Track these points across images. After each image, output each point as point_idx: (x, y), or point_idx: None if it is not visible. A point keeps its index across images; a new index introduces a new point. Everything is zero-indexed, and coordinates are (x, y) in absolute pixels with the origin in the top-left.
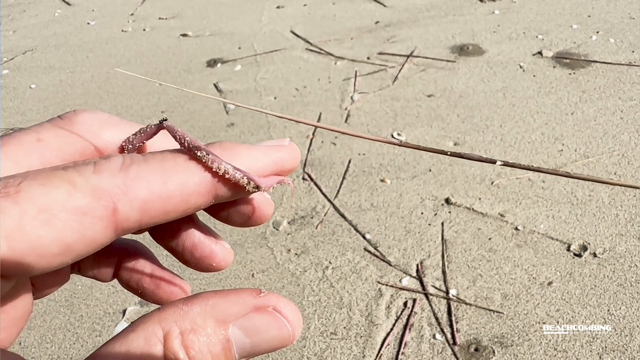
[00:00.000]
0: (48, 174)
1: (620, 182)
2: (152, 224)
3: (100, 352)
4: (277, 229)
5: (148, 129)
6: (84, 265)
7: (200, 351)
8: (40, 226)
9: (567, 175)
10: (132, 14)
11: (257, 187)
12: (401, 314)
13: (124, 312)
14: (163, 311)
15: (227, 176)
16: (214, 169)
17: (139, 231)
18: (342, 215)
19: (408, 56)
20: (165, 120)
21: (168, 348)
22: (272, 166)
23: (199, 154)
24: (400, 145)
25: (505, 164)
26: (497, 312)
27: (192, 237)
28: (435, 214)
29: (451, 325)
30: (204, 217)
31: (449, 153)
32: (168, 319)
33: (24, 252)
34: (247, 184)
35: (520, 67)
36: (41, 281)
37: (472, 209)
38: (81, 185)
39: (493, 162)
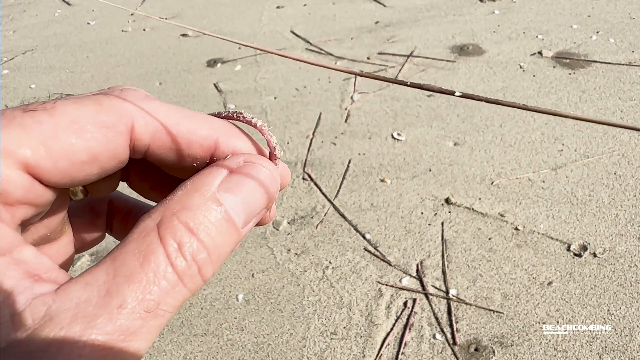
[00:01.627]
0: (80, 97)
1: (617, 122)
2: (158, 159)
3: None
4: (277, 229)
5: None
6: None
7: (200, 222)
8: (71, 135)
9: (551, 113)
10: (132, 14)
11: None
12: (401, 313)
13: None
14: (149, 212)
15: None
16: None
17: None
18: (342, 215)
19: (408, 56)
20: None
21: (165, 230)
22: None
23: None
24: (361, 75)
25: (464, 95)
26: (497, 312)
27: None
28: (435, 214)
29: (451, 325)
30: None
31: (408, 84)
32: (154, 212)
33: (58, 157)
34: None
35: (520, 67)
36: (78, 225)
37: (472, 209)
38: (108, 105)
39: (452, 93)
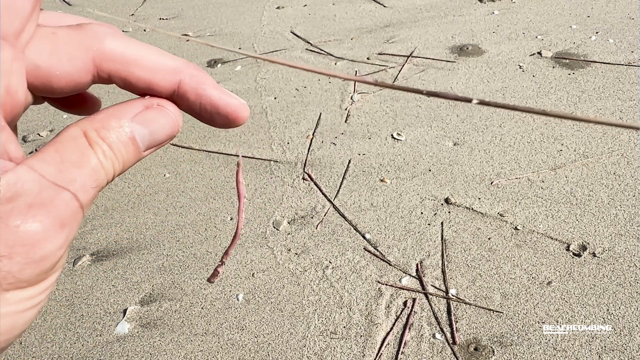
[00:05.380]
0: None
1: (618, 122)
2: (119, 82)
3: (35, 156)
4: (277, 229)
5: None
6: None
7: (114, 140)
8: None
9: (554, 115)
10: (132, 14)
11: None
12: (401, 313)
13: (125, 311)
14: (77, 121)
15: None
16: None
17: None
18: (342, 215)
19: (408, 56)
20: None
21: (91, 139)
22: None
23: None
24: (375, 84)
25: (481, 102)
26: (497, 311)
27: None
28: (435, 214)
29: (451, 325)
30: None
31: (424, 92)
32: (82, 123)
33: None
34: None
35: (520, 67)
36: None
37: (472, 208)
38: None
39: (469, 100)
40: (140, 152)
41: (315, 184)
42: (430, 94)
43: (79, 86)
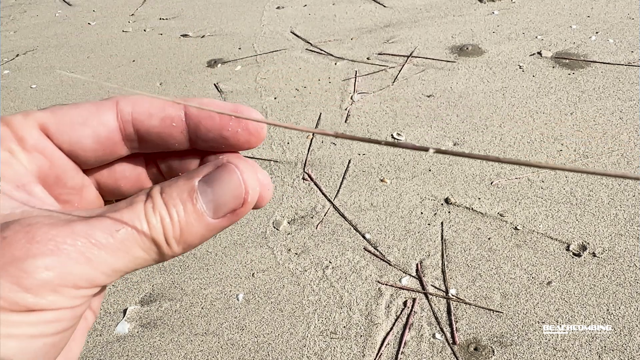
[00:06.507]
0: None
1: (619, 173)
2: (145, 130)
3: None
4: (277, 229)
5: None
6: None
7: (171, 196)
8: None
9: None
10: (132, 15)
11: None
12: (401, 313)
13: (125, 311)
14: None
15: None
16: None
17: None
18: (342, 215)
19: (408, 56)
20: None
21: (150, 195)
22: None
23: None
24: (335, 136)
25: (438, 151)
26: (497, 311)
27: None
28: (435, 214)
29: (451, 325)
30: None
31: (383, 143)
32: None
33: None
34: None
35: (520, 67)
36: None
37: (472, 208)
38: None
39: (426, 149)
40: (204, 218)
41: (315, 184)
42: (388, 144)
43: None
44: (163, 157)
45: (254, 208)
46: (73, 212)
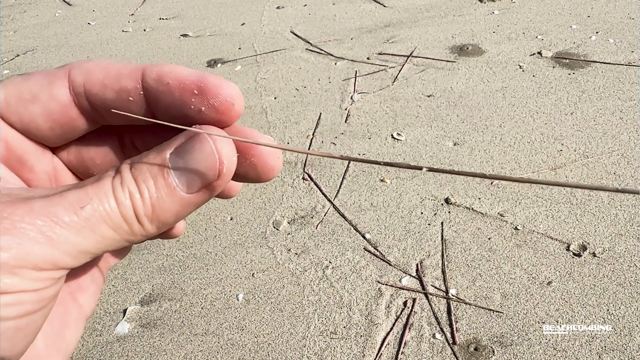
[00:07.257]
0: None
1: (619, 188)
2: (100, 104)
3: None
4: (277, 229)
5: None
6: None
7: (141, 170)
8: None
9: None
10: (132, 14)
11: None
12: (401, 313)
13: (125, 311)
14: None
15: None
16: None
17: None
18: (342, 215)
19: (408, 56)
20: None
21: (118, 170)
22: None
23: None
24: (341, 158)
25: (430, 169)
26: (497, 311)
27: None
28: (435, 214)
29: (451, 325)
30: None
31: (382, 163)
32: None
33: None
34: None
35: (520, 67)
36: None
37: (472, 208)
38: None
39: (419, 168)
40: (176, 192)
41: (315, 184)
42: (386, 164)
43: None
44: (138, 130)
45: (262, 181)
46: (34, 190)
